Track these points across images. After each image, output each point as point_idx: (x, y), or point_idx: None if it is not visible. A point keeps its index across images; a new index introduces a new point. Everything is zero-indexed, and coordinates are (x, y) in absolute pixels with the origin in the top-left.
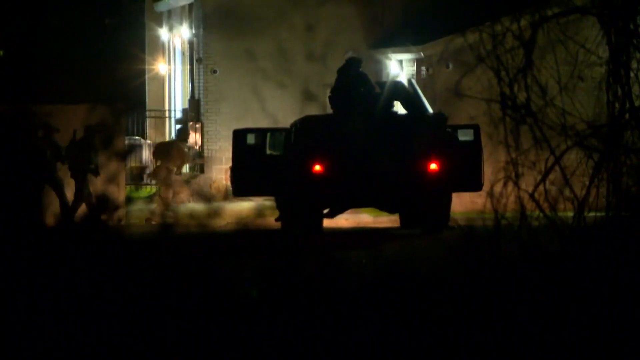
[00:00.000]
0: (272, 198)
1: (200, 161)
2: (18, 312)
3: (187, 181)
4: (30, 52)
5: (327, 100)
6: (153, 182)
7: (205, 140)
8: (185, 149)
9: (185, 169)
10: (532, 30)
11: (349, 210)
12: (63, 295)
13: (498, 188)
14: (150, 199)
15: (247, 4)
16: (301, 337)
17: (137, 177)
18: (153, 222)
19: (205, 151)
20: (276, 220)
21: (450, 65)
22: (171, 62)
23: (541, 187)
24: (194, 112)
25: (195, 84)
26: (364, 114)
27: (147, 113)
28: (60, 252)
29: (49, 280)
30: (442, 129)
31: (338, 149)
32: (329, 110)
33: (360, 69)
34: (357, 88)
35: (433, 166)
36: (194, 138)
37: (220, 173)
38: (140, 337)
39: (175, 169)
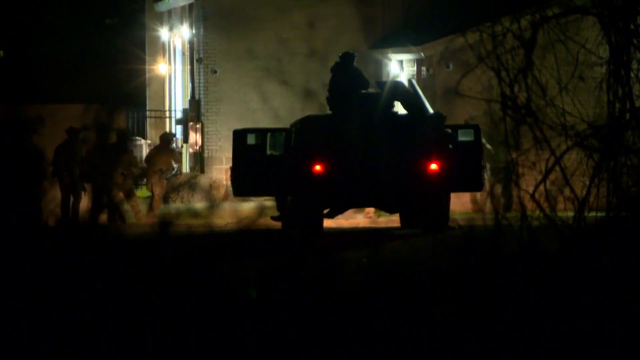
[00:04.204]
0: (273, 198)
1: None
2: (18, 312)
3: (188, 182)
4: (31, 52)
5: (325, 101)
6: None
7: (205, 140)
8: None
9: (186, 168)
10: (533, 31)
11: (350, 210)
12: (64, 294)
13: (498, 188)
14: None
15: (247, 4)
16: (301, 336)
17: (137, 177)
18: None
19: (205, 151)
20: (272, 218)
21: (451, 65)
22: (171, 62)
23: (541, 187)
24: (194, 112)
25: (196, 84)
26: (364, 114)
27: (148, 113)
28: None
29: (47, 279)
30: (440, 128)
31: (338, 149)
32: (329, 111)
33: (354, 64)
34: (354, 88)
35: (433, 166)
36: (194, 138)
37: (220, 173)
38: (140, 337)
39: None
